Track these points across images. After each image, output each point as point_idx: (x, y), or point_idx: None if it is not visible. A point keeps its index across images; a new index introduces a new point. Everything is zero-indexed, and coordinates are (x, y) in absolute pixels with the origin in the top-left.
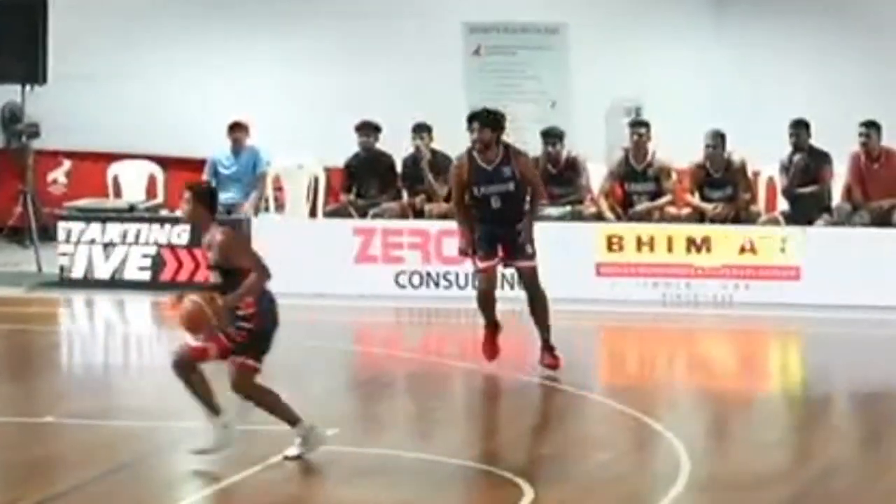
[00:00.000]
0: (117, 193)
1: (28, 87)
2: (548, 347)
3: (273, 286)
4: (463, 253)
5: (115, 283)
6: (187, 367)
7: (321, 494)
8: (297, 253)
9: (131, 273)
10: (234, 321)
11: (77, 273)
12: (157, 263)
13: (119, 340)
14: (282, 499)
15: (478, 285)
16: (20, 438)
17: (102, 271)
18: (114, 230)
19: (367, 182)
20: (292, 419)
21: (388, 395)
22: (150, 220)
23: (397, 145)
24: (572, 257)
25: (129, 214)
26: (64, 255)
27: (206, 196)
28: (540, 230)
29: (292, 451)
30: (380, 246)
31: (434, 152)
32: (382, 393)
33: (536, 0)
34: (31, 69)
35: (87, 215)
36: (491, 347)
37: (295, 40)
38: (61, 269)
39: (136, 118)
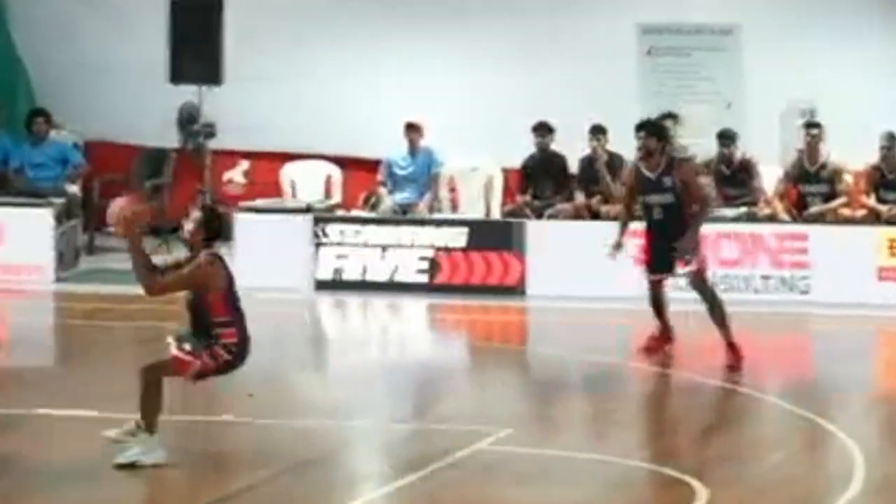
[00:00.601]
0: (293, 193)
1: (205, 88)
2: (729, 346)
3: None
4: (615, 248)
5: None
6: (157, 374)
7: (495, 495)
8: None
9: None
10: (212, 346)
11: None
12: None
13: (297, 340)
14: (456, 499)
15: (648, 295)
16: (199, 436)
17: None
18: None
19: (542, 183)
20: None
21: (563, 396)
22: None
23: (572, 146)
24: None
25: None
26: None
27: (215, 222)
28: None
29: (114, 431)
30: None
31: (610, 154)
32: (557, 394)
33: (710, 1)
34: (208, 70)
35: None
36: (650, 345)
37: (470, 41)
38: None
39: (311, 118)
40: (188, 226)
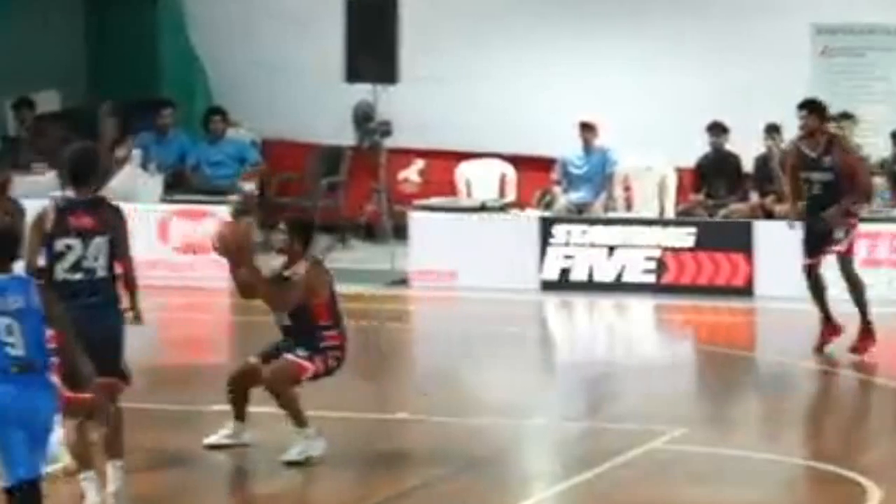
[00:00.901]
0: (468, 192)
1: (380, 87)
2: (863, 331)
3: None
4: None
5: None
6: (281, 385)
7: (669, 494)
8: None
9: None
10: (322, 350)
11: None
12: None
13: (475, 337)
14: (628, 498)
15: (806, 281)
16: (373, 434)
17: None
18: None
19: (715, 182)
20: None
21: (737, 395)
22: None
23: (746, 146)
24: None
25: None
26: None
27: (306, 229)
28: None
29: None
30: None
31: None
32: (731, 393)
33: (884, 1)
34: (384, 69)
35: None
36: (821, 338)
37: (645, 40)
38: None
39: (486, 117)
40: (280, 236)
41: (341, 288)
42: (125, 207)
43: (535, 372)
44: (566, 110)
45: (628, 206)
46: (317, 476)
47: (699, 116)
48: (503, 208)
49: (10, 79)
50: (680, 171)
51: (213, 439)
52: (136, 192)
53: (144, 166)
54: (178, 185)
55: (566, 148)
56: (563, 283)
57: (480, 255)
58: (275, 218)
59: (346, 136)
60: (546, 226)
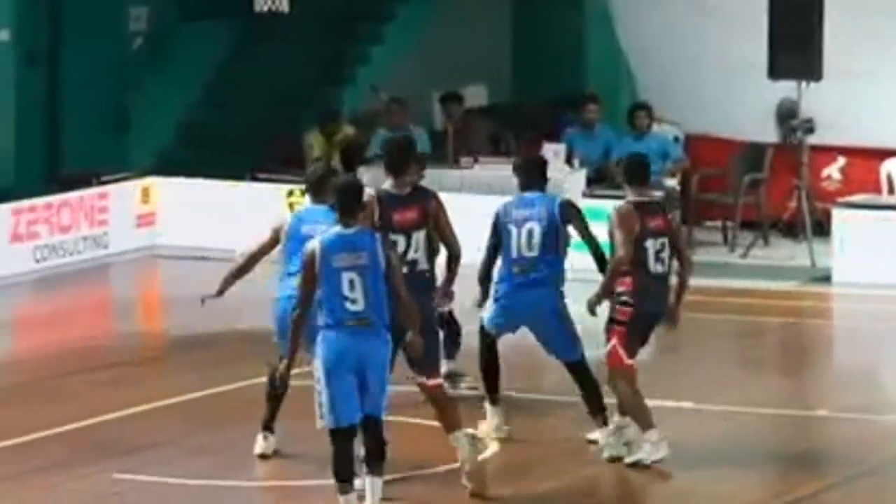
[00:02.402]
0: (890, 190)
1: (803, 84)
2: None
3: None
4: None
5: None
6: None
7: None
8: None
9: None
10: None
11: None
12: None
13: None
14: None
15: None
16: (792, 431)
17: None
18: None
19: None
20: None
21: None
22: None
23: None
24: None
25: None
26: None
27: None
28: None
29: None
30: None
31: None
32: None
33: None
34: (808, 65)
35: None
36: None
37: None
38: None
39: None
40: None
41: (761, 284)
42: None
43: None
44: None
45: None
46: (735, 471)
47: None
48: None
49: (438, 73)
50: None
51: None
52: (560, 186)
53: (569, 161)
54: (601, 180)
55: None
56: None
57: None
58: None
59: (768, 133)
60: None
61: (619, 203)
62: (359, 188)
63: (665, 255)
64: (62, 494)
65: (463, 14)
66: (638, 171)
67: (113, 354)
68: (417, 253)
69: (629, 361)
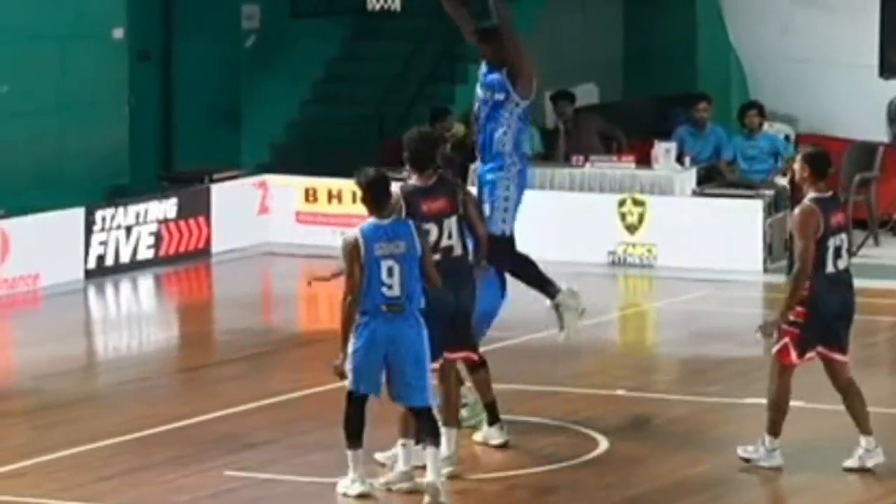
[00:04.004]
0: None
1: None
2: None
3: None
4: None
5: None
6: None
7: None
8: None
9: None
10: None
11: None
12: None
13: None
14: None
15: None
16: None
17: None
18: None
19: None
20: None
21: None
22: None
23: None
24: None
25: None
26: None
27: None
28: None
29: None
30: None
31: None
32: None
33: None
34: None
35: None
36: None
37: None
38: None
39: None
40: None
41: (872, 283)
42: None
43: None
44: None
45: None
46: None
47: None
48: None
49: (549, 71)
50: None
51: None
52: (671, 184)
53: (680, 160)
54: (711, 178)
55: None
56: None
57: None
58: None
59: (879, 132)
60: None
61: (804, 202)
62: (387, 181)
63: (844, 250)
64: (176, 490)
65: (574, 12)
66: (822, 165)
67: (224, 350)
68: (451, 239)
69: (795, 360)
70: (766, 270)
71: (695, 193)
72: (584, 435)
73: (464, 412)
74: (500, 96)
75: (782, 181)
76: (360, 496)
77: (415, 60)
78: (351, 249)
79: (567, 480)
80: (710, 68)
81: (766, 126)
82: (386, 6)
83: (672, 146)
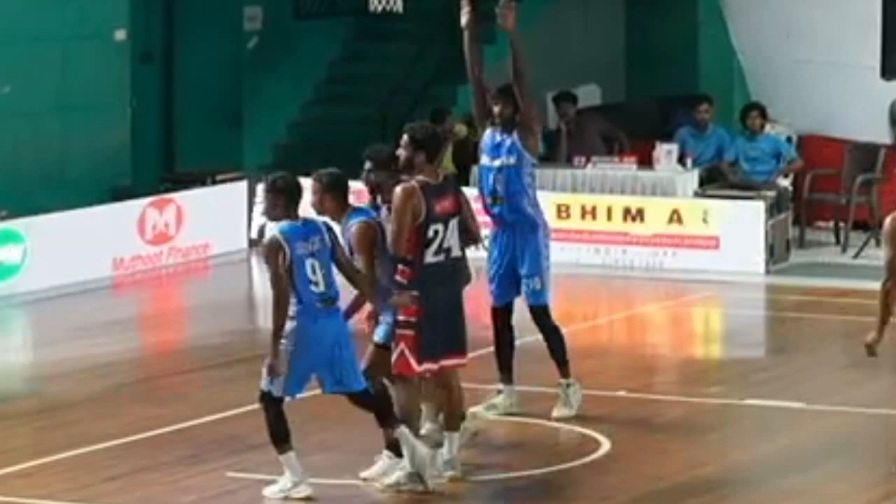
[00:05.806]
0: None
1: None
2: None
3: None
4: None
5: None
6: None
7: None
8: None
9: None
10: None
11: None
12: None
13: None
14: None
15: None
16: None
17: None
18: None
19: None
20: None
21: None
22: None
23: None
24: None
25: None
26: None
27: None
28: None
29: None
30: None
31: None
32: None
33: None
34: None
35: None
36: None
37: None
38: None
39: None
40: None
41: (874, 285)
42: None
43: None
44: None
45: None
46: (846, 471)
47: None
48: None
49: (551, 73)
50: None
51: None
52: (673, 185)
53: (681, 160)
54: (713, 179)
55: None
56: None
57: None
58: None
59: (881, 134)
60: None
61: None
62: (299, 184)
63: None
64: (181, 491)
65: (576, 14)
66: None
67: (225, 352)
68: (452, 240)
69: None
70: (767, 272)
71: (697, 195)
72: (585, 436)
73: (498, 399)
74: (511, 160)
75: (784, 182)
76: (307, 499)
77: (417, 61)
78: (276, 251)
79: (569, 481)
80: (712, 69)
81: (767, 127)
82: (388, 7)
83: (674, 147)
